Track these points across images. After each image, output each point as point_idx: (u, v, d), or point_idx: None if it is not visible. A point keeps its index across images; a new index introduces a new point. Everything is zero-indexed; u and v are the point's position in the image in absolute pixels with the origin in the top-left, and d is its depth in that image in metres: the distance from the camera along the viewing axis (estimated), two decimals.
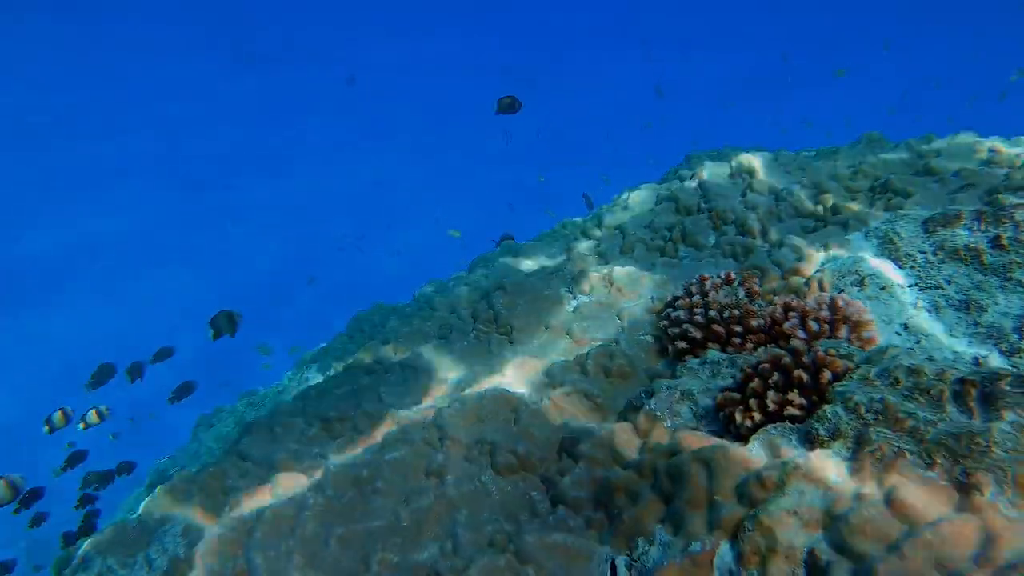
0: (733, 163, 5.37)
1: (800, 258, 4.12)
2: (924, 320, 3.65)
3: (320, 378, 5.49)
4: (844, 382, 2.23)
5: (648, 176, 6.67)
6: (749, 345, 3.39)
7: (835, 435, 2.05)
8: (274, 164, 31.10)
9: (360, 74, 34.47)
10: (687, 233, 4.79)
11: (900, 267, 3.93)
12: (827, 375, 2.29)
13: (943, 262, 3.79)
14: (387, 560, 2.65)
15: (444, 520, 2.79)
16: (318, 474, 3.45)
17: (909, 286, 3.83)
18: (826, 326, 3.29)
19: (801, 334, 3.26)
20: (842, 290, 3.87)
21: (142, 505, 4.65)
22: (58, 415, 4.69)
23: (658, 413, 2.75)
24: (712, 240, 4.82)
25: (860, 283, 3.92)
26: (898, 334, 3.64)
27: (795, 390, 2.29)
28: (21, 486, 4.06)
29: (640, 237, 5.01)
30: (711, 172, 5.38)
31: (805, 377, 2.29)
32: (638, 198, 5.64)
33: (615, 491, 2.51)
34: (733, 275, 3.75)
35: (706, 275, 3.76)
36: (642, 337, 3.81)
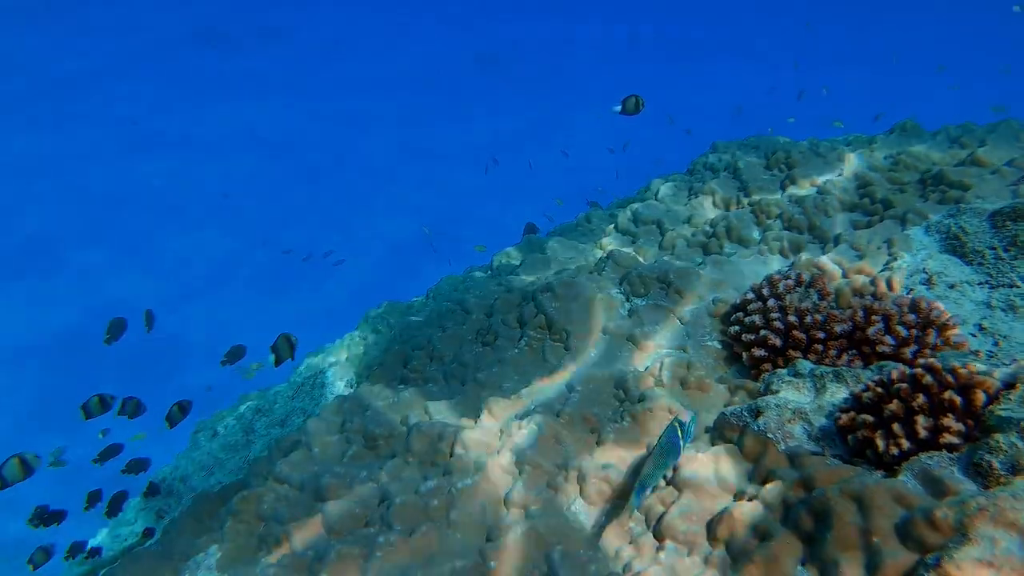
0: (769, 153, 5.18)
1: (861, 255, 3.95)
2: (1000, 320, 3.51)
3: (340, 385, 5.18)
4: (1003, 404, 2.05)
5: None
6: (832, 352, 3.20)
7: (1016, 470, 1.86)
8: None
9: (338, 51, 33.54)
10: (732, 228, 4.59)
11: (968, 264, 3.79)
12: (981, 396, 2.10)
13: (1016, 258, 3.65)
14: None
15: (535, 558, 2.55)
16: (372, 501, 3.17)
17: (979, 284, 3.69)
18: (914, 331, 3.12)
19: (890, 340, 3.09)
20: (911, 290, 3.71)
21: (160, 530, 4.31)
22: (95, 400, 4.34)
23: (769, 435, 2.54)
24: (757, 235, 4.63)
25: (928, 281, 3.77)
26: (973, 335, 3.49)
27: (949, 415, 2.09)
28: (35, 465, 3.73)
29: (680, 233, 4.79)
30: (746, 163, 5.18)
31: (958, 400, 2.10)
32: (669, 190, 5.42)
33: (734, 525, 2.30)
34: (804, 276, 3.55)
35: (776, 276, 3.57)
36: (709, 343, 3.60)
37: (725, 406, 3.10)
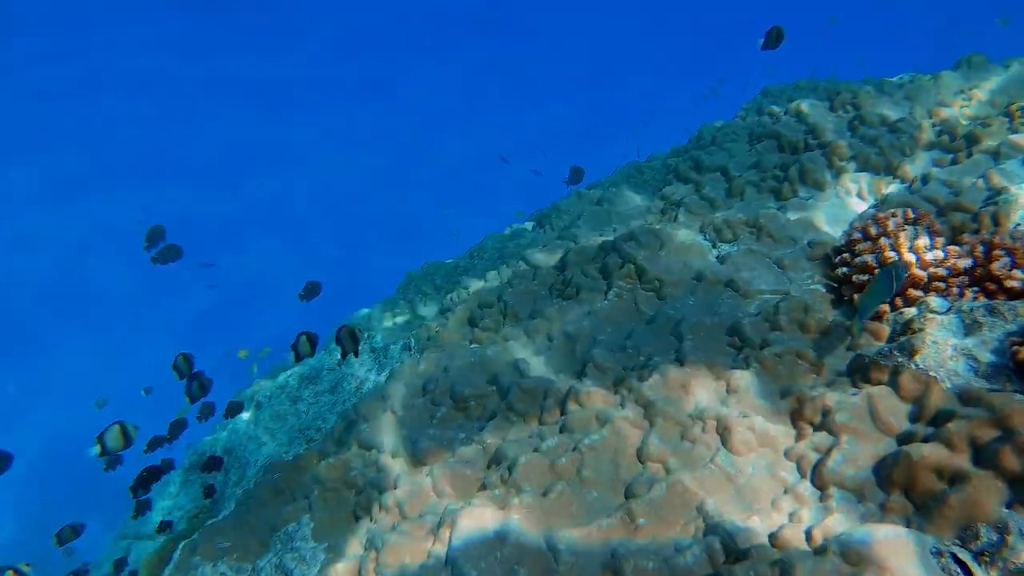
0: (833, 95, 4.98)
1: (956, 192, 3.80)
2: None
3: (395, 349, 4.97)
4: None
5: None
6: (955, 289, 3.06)
7: None
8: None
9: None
10: (806, 171, 4.41)
11: None
12: None
13: None
14: (643, 568, 2.25)
15: (685, 513, 2.40)
16: (479, 463, 3.01)
17: None
18: None
19: (1020, 274, 2.95)
20: (1019, 224, 3.57)
21: (234, 500, 4.13)
22: (180, 359, 4.13)
23: (932, 373, 2.40)
24: (830, 178, 4.46)
25: None
26: None
27: None
28: (134, 436, 3.56)
29: (748, 179, 4.60)
30: (811, 105, 4.97)
31: None
32: (726, 136, 5.21)
33: (915, 469, 2.16)
34: (912, 213, 3.39)
35: (881, 214, 3.40)
36: (812, 287, 3.45)
37: (849, 348, 2.96)
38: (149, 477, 3.47)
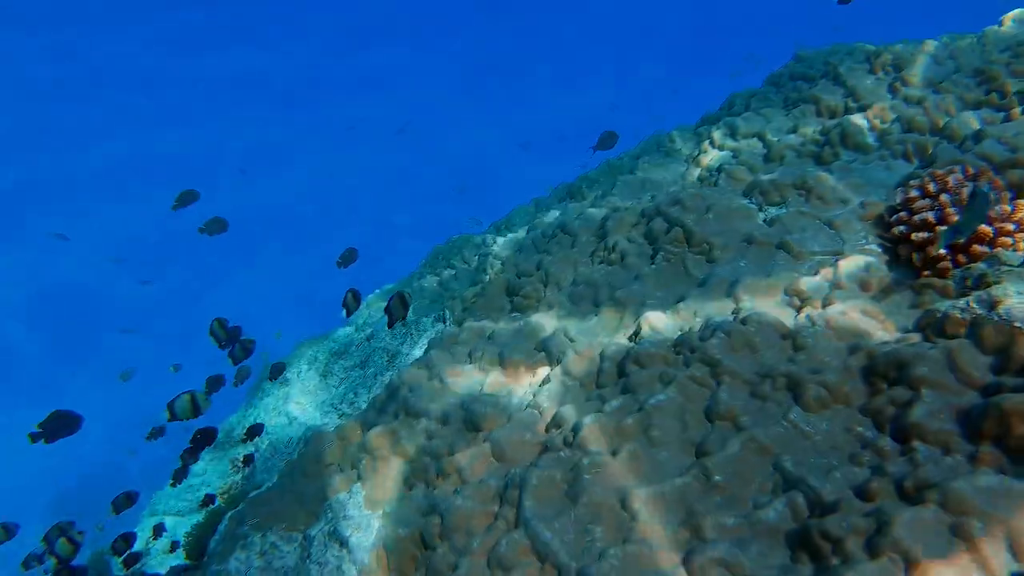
0: (871, 56, 4.88)
1: (1013, 148, 3.71)
2: None
3: (427, 321, 4.91)
4: None
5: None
6: (1023, 244, 2.99)
7: None
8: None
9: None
10: (847, 134, 4.32)
11: None
12: None
13: None
14: (723, 525, 2.21)
15: (762, 468, 2.36)
16: (537, 427, 2.97)
17: None
18: None
19: None
20: None
21: (275, 472, 4.09)
22: (216, 323, 4.07)
23: (1017, 324, 2.33)
24: (872, 140, 4.37)
25: None
26: None
27: None
28: (204, 406, 3.54)
29: (787, 143, 4.51)
30: (848, 67, 4.87)
31: None
32: (759, 102, 5.12)
33: (1008, 418, 2.10)
34: (972, 169, 3.31)
35: (939, 171, 3.32)
36: (866, 247, 3.38)
37: (913, 306, 2.90)
38: (203, 439, 3.43)
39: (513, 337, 3.65)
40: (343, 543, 3.02)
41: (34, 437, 3.66)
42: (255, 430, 4.84)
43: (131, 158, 25.67)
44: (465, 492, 2.67)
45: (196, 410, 3.56)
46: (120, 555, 4.23)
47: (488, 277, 4.66)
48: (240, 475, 6.14)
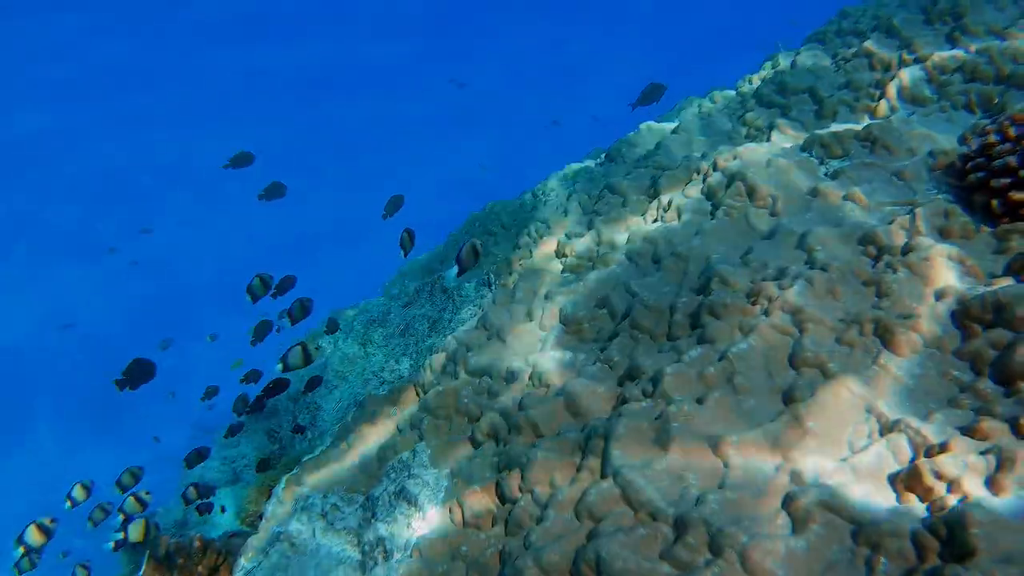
0: (928, 6, 4.74)
1: None
2: None
3: (470, 287, 4.85)
4: None
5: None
6: None
7: None
8: None
9: None
10: (905, 87, 4.21)
11: None
12: None
13: None
14: (822, 468, 2.15)
15: (858, 412, 2.30)
16: (609, 381, 2.91)
17: None
18: None
19: None
20: None
21: (328, 435, 4.06)
22: (256, 282, 4.05)
23: None
24: (930, 93, 4.26)
25: None
26: None
27: None
28: (315, 357, 3.59)
29: (841, 99, 4.40)
30: (903, 19, 4.74)
31: None
32: (808, 58, 5.00)
33: None
34: None
35: (1018, 114, 3.22)
36: (940, 195, 3.29)
37: (997, 252, 2.82)
38: (275, 389, 3.42)
39: (572, 294, 3.59)
40: (411, 501, 2.98)
41: (120, 384, 3.82)
42: (281, 384, 4.84)
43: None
44: (545, 445, 2.63)
45: (308, 359, 3.57)
46: (190, 503, 4.26)
47: (534, 239, 4.59)
48: (277, 445, 6.15)
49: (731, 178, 3.65)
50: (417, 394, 3.74)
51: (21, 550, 3.70)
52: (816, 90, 4.56)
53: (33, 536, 3.56)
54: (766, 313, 2.73)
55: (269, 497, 4.03)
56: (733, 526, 2.01)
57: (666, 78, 6.83)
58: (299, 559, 3.35)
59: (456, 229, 6.47)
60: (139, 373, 3.88)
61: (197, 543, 3.86)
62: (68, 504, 4.25)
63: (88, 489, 4.41)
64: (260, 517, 4.19)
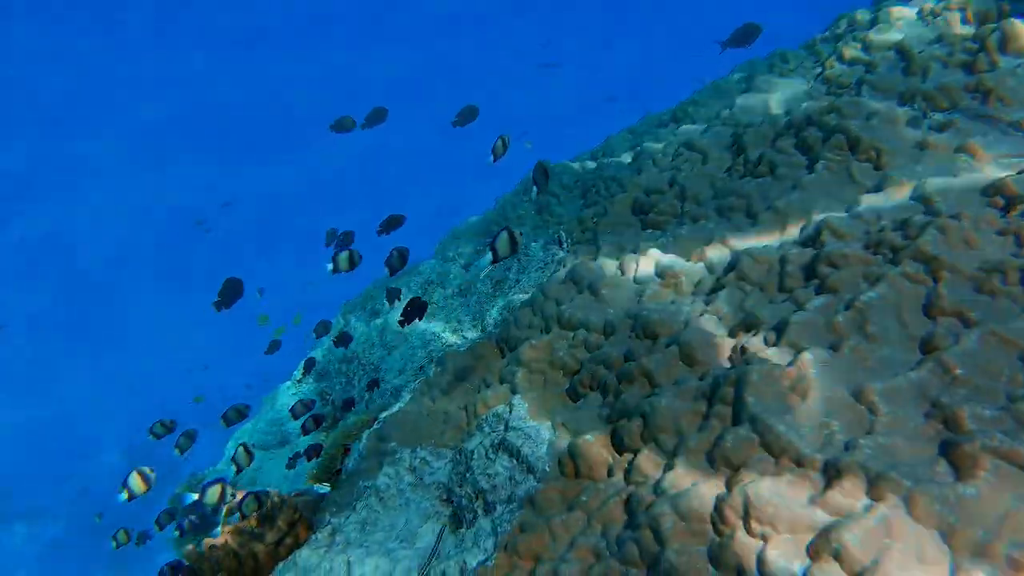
0: None
1: None
2: None
3: (536, 247, 4.76)
4: None
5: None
6: None
7: None
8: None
9: None
10: (1008, 37, 4.04)
11: None
12: None
13: None
14: (981, 416, 2.07)
15: (1011, 363, 2.20)
16: (721, 330, 2.83)
17: None
18: None
19: None
20: None
21: (407, 392, 4.01)
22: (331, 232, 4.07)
23: None
24: None
25: None
26: None
27: None
28: (357, 261, 3.76)
29: (932, 54, 4.24)
30: None
31: None
32: (908, 12, 4.82)
33: None
34: None
35: None
36: None
37: None
38: (415, 311, 3.40)
39: (664, 249, 3.50)
40: (514, 453, 2.93)
41: (217, 306, 4.08)
42: (344, 338, 4.78)
43: None
44: (667, 393, 2.55)
45: (352, 264, 3.58)
46: (230, 424, 4.26)
47: (607, 199, 4.49)
48: (329, 407, 6.12)
49: (830, 131, 3.53)
50: (500, 349, 3.68)
51: (125, 494, 3.69)
52: (905, 46, 4.40)
53: (136, 483, 3.54)
54: (893, 263, 2.63)
55: (347, 453, 4.00)
56: (893, 471, 1.94)
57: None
58: (388, 513, 3.32)
59: (509, 192, 6.37)
60: (232, 292, 4.07)
61: (275, 498, 3.83)
62: (125, 495, 4.11)
63: (147, 479, 4.28)
64: (338, 473, 4.16)
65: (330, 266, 3.60)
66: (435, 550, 2.95)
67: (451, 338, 4.99)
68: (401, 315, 3.34)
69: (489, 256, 3.22)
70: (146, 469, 3.70)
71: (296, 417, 4.42)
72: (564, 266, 3.90)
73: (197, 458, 6.80)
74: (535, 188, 3.56)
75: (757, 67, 5.49)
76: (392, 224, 5.10)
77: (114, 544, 4.81)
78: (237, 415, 4.44)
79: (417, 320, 3.38)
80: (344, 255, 3.60)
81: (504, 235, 3.32)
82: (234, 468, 3.80)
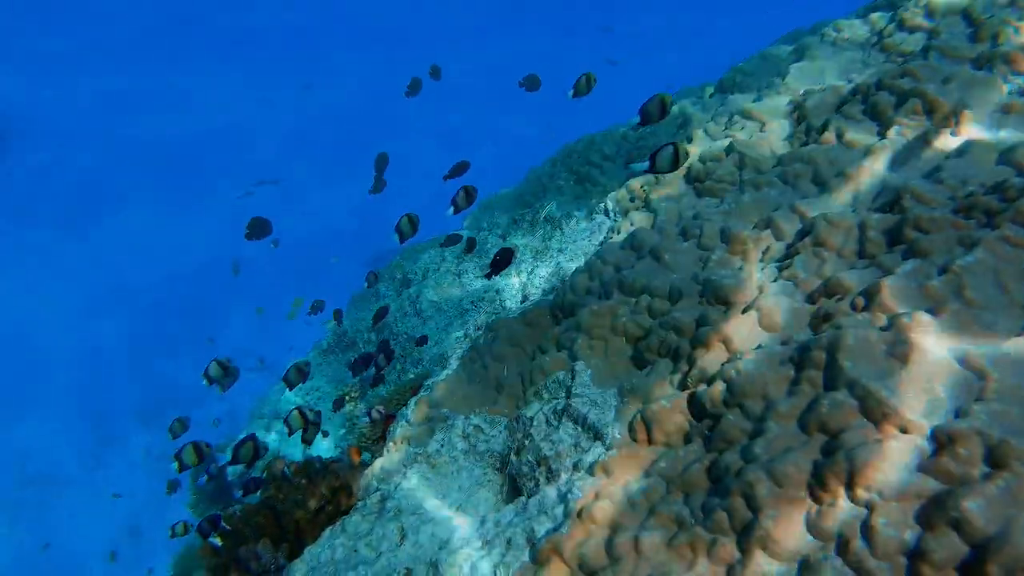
0: None
1: None
2: None
3: (580, 217, 4.64)
4: None
5: None
6: None
7: None
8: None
9: None
10: None
11: None
12: None
13: None
14: None
15: None
16: (798, 296, 2.72)
17: None
18: None
19: None
20: None
21: (456, 359, 3.91)
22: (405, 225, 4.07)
23: None
24: None
25: None
26: None
27: None
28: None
29: (1004, 18, 4.08)
30: None
31: None
32: None
33: None
34: None
35: None
36: None
37: None
38: (503, 261, 3.39)
39: (727, 216, 3.38)
40: (580, 420, 2.83)
41: (248, 237, 4.54)
42: (381, 313, 4.72)
43: None
44: (751, 358, 2.45)
45: (470, 199, 3.63)
46: (292, 386, 4.24)
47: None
48: (358, 378, 6.04)
49: (903, 95, 3.39)
50: (555, 316, 3.58)
51: (178, 465, 3.62)
52: (971, 10, 4.24)
53: (190, 455, 3.48)
54: (991, 226, 2.51)
55: (390, 421, 3.91)
56: (1014, 437, 1.84)
57: None
58: (440, 480, 3.24)
59: (541, 163, 6.23)
60: (260, 228, 4.51)
61: (318, 464, 3.75)
62: (177, 466, 4.05)
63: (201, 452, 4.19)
64: (377, 440, 4.08)
65: (451, 208, 3.64)
66: None
67: (489, 307, 4.88)
68: (490, 266, 3.27)
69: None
70: (225, 360, 3.75)
71: (291, 387, 4.35)
72: (617, 232, 3.79)
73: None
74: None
75: (804, 37, 5.33)
76: (459, 170, 5.07)
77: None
78: (299, 375, 4.34)
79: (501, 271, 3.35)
80: (462, 192, 3.60)
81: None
82: (287, 430, 3.72)
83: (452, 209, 3.57)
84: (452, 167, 5.21)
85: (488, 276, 3.30)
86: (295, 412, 4.23)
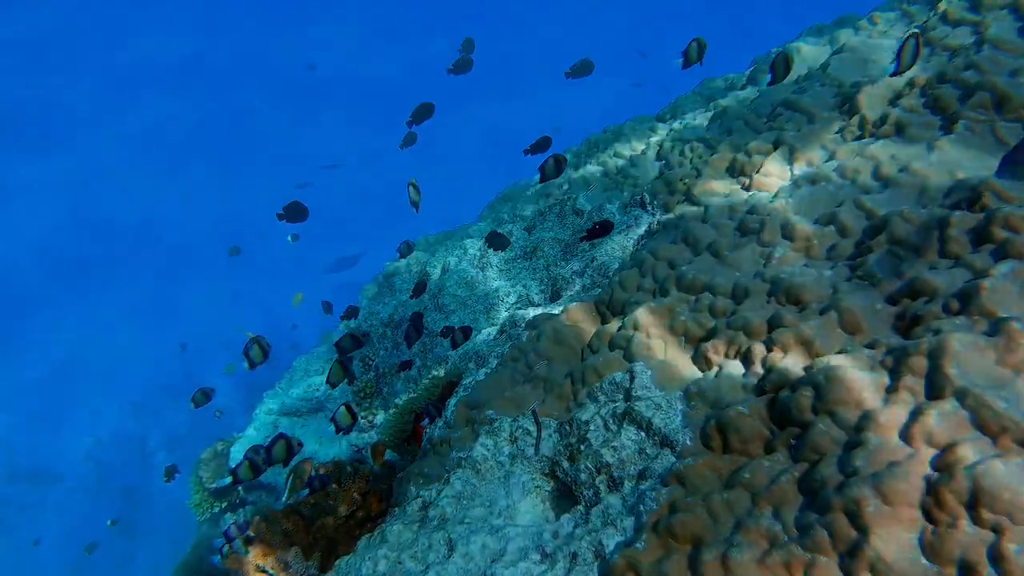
0: None
1: None
2: None
3: (613, 209, 4.47)
4: None
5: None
6: None
7: None
8: None
9: None
10: None
11: None
12: None
13: None
14: None
15: None
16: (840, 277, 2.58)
17: None
18: None
19: None
20: None
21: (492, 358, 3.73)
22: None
23: None
24: None
25: None
26: None
27: None
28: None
29: None
30: None
31: None
32: None
33: None
34: None
35: None
36: None
37: None
38: (602, 228, 3.32)
39: (783, 212, 3.24)
40: (643, 425, 2.68)
41: (280, 217, 4.58)
42: (420, 287, 4.58)
43: None
44: (839, 362, 2.31)
45: (560, 169, 3.71)
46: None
47: (697, 155, 4.21)
48: (373, 373, 5.85)
49: (971, 88, 3.26)
50: (600, 313, 3.42)
51: (232, 479, 3.45)
52: (1022, 2, 4.12)
53: (246, 472, 3.29)
54: None
55: (419, 419, 3.74)
56: None
57: None
58: (486, 486, 3.07)
59: (574, 148, 6.05)
60: (296, 211, 4.58)
61: (348, 467, 3.57)
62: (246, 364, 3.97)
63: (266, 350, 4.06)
64: (407, 442, 3.90)
65: (537, 176, 3.63)
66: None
67: (512, 301, 4.71)
68: (587, 232, 3.31)
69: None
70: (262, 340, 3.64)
71: (197, 406, 4.24)
72: (662, 227, 3.63)
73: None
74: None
75: (834, 31, 5.20)
76: (541, 146, 4.93)
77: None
78: (203, 396, 4.28)
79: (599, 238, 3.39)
80: (551, 161, 3.61)
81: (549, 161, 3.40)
82: (333, 428, 3.54)
83: (539, 177, 3.61)
84: (534, 142, 5.07)
85: (581, 240, 3.34)
86: (343, 408, 4.05)
